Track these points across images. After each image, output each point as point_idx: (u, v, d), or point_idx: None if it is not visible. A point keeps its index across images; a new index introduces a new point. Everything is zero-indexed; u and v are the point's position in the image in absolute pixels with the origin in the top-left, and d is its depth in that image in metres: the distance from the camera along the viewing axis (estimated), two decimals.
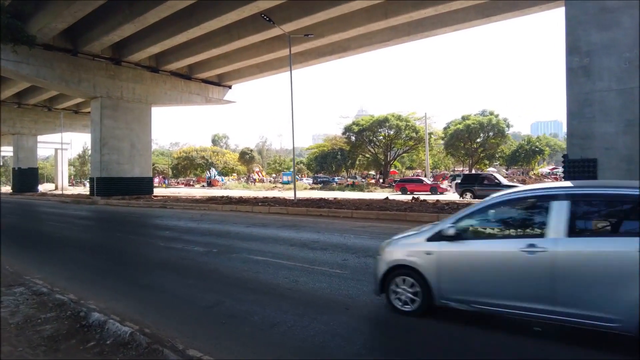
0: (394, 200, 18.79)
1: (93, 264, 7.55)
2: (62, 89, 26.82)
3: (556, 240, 3.61)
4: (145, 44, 25.81)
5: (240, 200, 20.07)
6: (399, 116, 46.59)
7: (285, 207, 16.05)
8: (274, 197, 22.40)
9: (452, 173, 51.54)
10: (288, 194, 29.66)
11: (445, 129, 49.15)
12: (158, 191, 35.36)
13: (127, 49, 27.27)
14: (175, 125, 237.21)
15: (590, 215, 3.89)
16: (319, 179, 63.77)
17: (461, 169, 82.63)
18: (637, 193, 3.49)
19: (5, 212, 20.50)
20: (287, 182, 61.01)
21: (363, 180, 54.15)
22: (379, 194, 30.45)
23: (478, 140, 45.83)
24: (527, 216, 4.21)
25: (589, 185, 4.65)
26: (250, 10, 21.27)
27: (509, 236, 4.14)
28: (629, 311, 3.26)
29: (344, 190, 39.79)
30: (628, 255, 3.31)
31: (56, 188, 57.95)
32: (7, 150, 71.50)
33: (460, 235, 4.16)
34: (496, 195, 4.35)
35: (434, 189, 30.62)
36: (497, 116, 44.12)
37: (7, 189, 68.66)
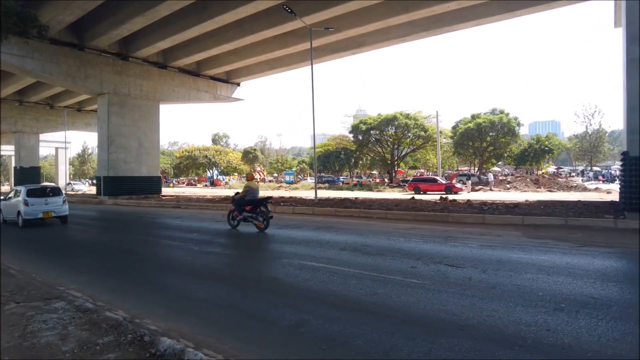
0: (421, 200, 18.02)
1: (129, 272, 6.76)
2: (68, 85, 25.94)
3: None
4: (154, 39, 24.97)
5: None
6: (407, 114, 45.85)
7: (311, 208, 15.25)
8: (290, 197, 21.59)
9: (456, 172, 50.76)
10: (300, 194, 28.91)
11: (454, 127, 48.41)
12: (164, 191, 34.47)
13: (135, 44, 26.44)
14: (173, 125, 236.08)
15: None
16: (323, 179, 63.00)
17: (466, 168, 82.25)
18: None
19: None
20: (291, 182, 60.23)
21: (369, 179, 53.33)
22: (393, 194, 29.72)
23: (488, 139, 45.07)
24: None
25: None
26: (267, 4, 20.52)
27: None
28: None
29: (352, 190, 39.01)
30: None
31: None
32: (7, 149, 70.45)
33: None
34: None
35: (449, 189, 29.88)
36: (507, 115, 43.41)
37: (7, 188, 67.65)
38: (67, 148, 68.15)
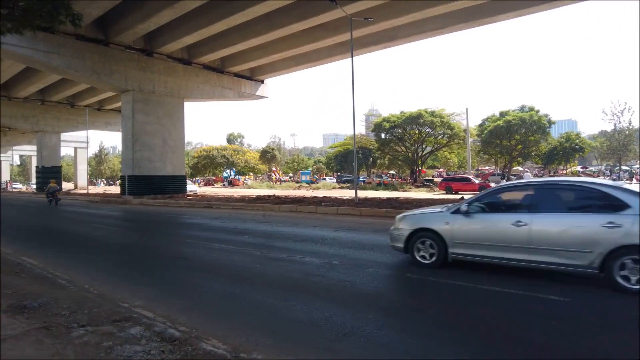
0: None
1: (196, 284, 5.81)
2: (93, 81, 25.33)
3: None
4: (180, 33, 24.21)
5: (296, 200, 18.30)
6: (432, 112, 44.56)
7: (356, 208, 14.22)
8: (325, 197, 20.59)
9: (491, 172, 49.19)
10: (324, 193, 27.90)
11: (480, 125, 46.95)
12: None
13: (160, 40, 25.72)
14: (186, 124, 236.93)
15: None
16: (342, 178, 61.96)
17: (486, 168, 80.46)
18: None
19: (38, 212, 19.02)
20: (308, 182, 59.27)
21: (392, 179, 52.13)
22: (424, 194, 28.56)
23: (516, 137, 43.53)
24: None
25: None
26: None
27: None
28: None
29: (377, 190, 37.91)
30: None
31: (75, 187, 57.03)
32: (26, 150, 70.89)
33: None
34: None
35: (484, 188, 28.52)
36: (537, 112, 41.83)
37: (21, 188, 67.99)
38: (86, 148, 68.31)
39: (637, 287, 4.63)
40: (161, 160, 26.99)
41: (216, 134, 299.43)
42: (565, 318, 4.11)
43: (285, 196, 21.68)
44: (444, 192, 30.96)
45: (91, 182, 77.56)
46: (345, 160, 76.23)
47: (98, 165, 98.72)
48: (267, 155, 69.62)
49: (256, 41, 25.30)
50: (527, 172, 39.11)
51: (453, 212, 6.08)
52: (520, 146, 44.22)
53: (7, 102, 39.47)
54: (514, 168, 52.88)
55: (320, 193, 29.93)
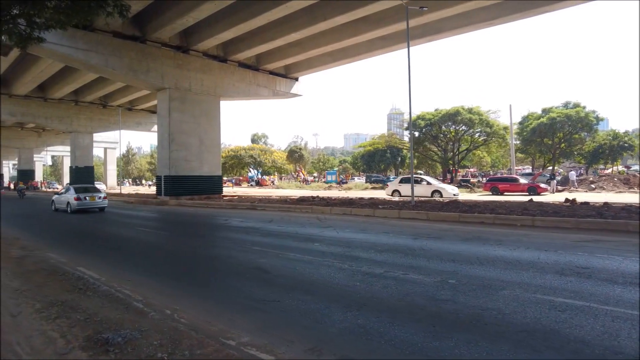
0: (539, 202, 15.45)
1: (303, 310, 4.75)
2: (129, 79, 24.83)
3: None
4: (218, 29, 23.46)
5: (345, 202, 17.18)
6: (470, 109, 42.75)
7: (423, 212, 12.99)
8: (372, 199, 19.39)
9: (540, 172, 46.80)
10: (358, 194, 26.67)
11: (521, 123, 44.81)
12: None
13: (197, 36, 25.05)
14: None
15: None
16: (372, 178, 60.59)
17: (519, 167, 77.64)
18: None
19: (80, 213, 18.49)
20: (334, 182, 58.13)
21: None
22: (471, 195, 27.01)
23: (559, 135, 41.27)
24: None
25: None
26: None
27: None
28: None
29: None
30: None
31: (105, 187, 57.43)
32: (57, 150, 72.14)
33: None
34: None
35: (533, 189, 26.83)
36: (584, 108, 39.53)
37: (58, 187, 69.08)
38: (115, 148, 69.02)
39: None
40: (198, 160, 26.33)
41: (237, 133, 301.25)
42: None
43: (330, 197, 20.62)
44: (490, 192, 29.29)
45: (118, 182, 78.39)
46: (373, 160, 74.72)
47: (126, 166, 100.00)
48: (295, 155, 68.74)
49: (295, 36, 24.34)
50: (571, 171, 36.94)
51: None
52: (564, 144, 41.91)
53: (43, 103, 39.84)
54: (548, 168, 50.45)
55: (355, 194, 28.77)
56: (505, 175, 33.00)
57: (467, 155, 49.14)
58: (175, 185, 25.11)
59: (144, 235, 11.49)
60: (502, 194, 28.18)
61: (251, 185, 60.80)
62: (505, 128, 42.97)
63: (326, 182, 58.40)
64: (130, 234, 11.76)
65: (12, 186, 60.74)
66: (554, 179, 29.51)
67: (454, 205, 14.51)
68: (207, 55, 26.97)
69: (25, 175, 56.85)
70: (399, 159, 74.46)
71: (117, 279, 6.30)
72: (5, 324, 4.46)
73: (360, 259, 7.22)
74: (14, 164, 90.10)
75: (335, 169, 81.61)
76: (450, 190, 23.96)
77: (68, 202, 18.92)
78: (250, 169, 69.46)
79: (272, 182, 61.73)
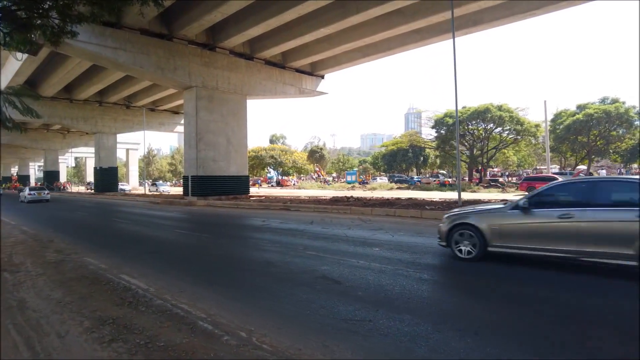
0: None
1: (424, 337, 3.90)
2: (157, 77, 24.38)
3: None
4: (246, 25, 22.80)
5: (384, 202, 16.23)
6: (500, 106, 41.29)
7: None
8: (410, 198, 18.41)
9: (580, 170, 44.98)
10: (383, 194, 25.65)
11: (553, 120, 43.04)
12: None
13: (224, 33, 24.47)
14: None
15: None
16: (395, 177, 59.42)
17: (544, 167, 75.25)
18: None
19: (110, 215, 18.04)
20: (352, 182, 57.08)
21: (453, 179, 48.98)
22: (503, 195, 25.75)
23: (594, 132, 39.41)
24: None
25: None
26: None
27: None
28: None
29: (443, 190, 35.33)
30: None
31: None
32: (79, 151, 73.05)
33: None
34: None
35: None
36: (623, 104, 37.62)
37: (80, 188, 69.95)
38: (137, 149, 69.49)
39: None
40: (225, 159, 25.76)
41: (253, 134, 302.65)
42: None
43: (365, 197, 19.72)
44: (526, 192, 27.99)
45: (140, 183, 78.94)
46: (394, 160, 73.40)
47: (146, 167, 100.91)
48: (316, 155, 67.99)
49: (325, 31, 23.52)
50: (601, 170, 35.18)
51: None
52: (600, 142, 40.01)
53: (69, 104, 40.04)
54: (578, 167, 48.42)
55: (381, 194, 27.78)
56: (542, 175, 31.52)
57: (497, 153, 47.49)
58: (203, 185, 24.58)
59: (184, 238, 10.80)
60: None
61: (272, 185, 60.23)
62: (537, 125, 41.37)
63: (348, 183, 57.42)
64: (168, 237, 11.10)
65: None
66: None
67: None
68: (234, 53, 26.40)
69: (50, 176, 57.53)
70: (422, 158, 73.00)
71: (168, 289, 5.56)
72: (53, 348, 3.74)
73: (438, 268, 6.34)
74: (39, 166, 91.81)
75: (355, 169, 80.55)
76: None
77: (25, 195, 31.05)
78: (270, 170, 68.98)
79: (293, 182, 61.04)
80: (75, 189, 68.60)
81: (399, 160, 72.85)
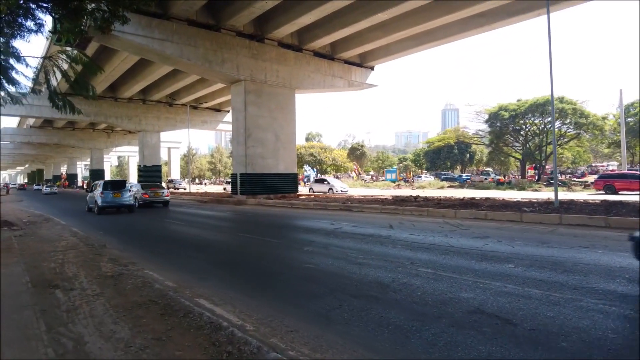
0: None
1: None
2: (204, 70, 23.34)
3: None
4: (297, 13, 21.35)
5: (466, 203, 14.27)
6: (562, 98, 38.04)
7: (601, 217, 9.91)
8: (488, 198, 16.33)
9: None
10: (434, 193, 23.47)
11: (627, 112, 39.20)
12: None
13: (272, 23, 23.12)
14: None
15: None
16: (441, 176, 56.71)
17: (603, 164, 70.07)
18: None
19: (162, 216, 17.04)
20: (392, 180, 54.75)
21: (514, 177, 46.03)
22: (582, 194, 23.07)
23: None
24: None
25: None
26: None
27: None
28: None
29: (502, 189, 32.71)
30: None
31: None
32: (122, 151, 74.47)
33: None
34: None
35: None
36: None
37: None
38: (179, 148, 69.96)
39: None
40: (274, 156, 24.47)
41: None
42: None
43: (435, 198, 17.79)
44: (602, 191, 25.14)
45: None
46: (438, 157, 70.34)
47: (187, 165, 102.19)
48: (356, 152, 66.09)
49: (382, 16, 21.72)
50: None
51: None
52: None
53: (114, 103, 40.14)
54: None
55: (434, 193, 25.69)
56: (623, 172, 28.35)
57: (557, 149, 43.98)
58: (252, 183, 23.39)
59: (253, 244, 9.36)
60: (617, 193, 24.04)
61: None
62: (604, 118, 37.83)
63: (392, 181, 55.18)
64: (232, 242, 9.73)
65: (84, 186, 63.05)
66: None
67: (620, 206, 11.22)
68: (282, 44, 25.04)
69: (96, 175, 58.53)
70: (467, 155, 69.61)
71: (270, 325, 4.03)
72: None
73: (632, 298, 4.50)
74: (85, 165, 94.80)
75: (395, 167, 78.02)
76: None
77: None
78: (307, 168, 67.61)
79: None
80: None
81: (443, 157, 69.78)
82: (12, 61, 9.81)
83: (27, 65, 8.88)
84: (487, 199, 16.20)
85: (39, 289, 5.64)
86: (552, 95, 13.43)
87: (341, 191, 30.05)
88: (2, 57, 8.29)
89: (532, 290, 4.91)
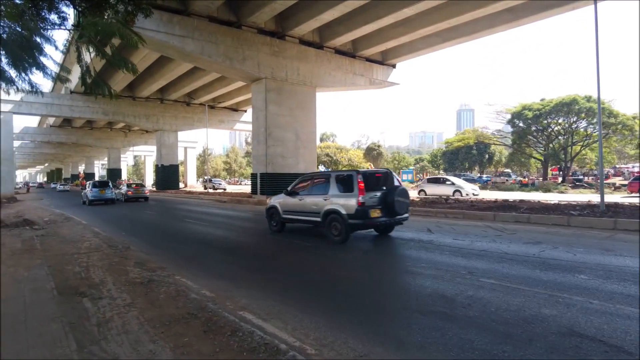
0: None
1: None
2: (225, 68, 22.91)
3: None
4: (320, 9, 20.76)
5: (505, 206, 13.51)
6: (589, 97, 36.75)
7: None
8: (522, 201, 15.53)
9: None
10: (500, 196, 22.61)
11: None
12: None
13: (293, 19, 22.59)
14: None
15: None
16: (461, 177, 55.52)
17: (628, 165, 67.96)
18: None
19: (183, 216, 16.65)
20: (410, 181, 53.73)
21: (537, 178, 44.75)
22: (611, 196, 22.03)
23: None
24: None
25: None
26: None
27: None
28: None
29: (527, 191, 31.63)
30: None
31: (185, 186, 58.02)
32: (138, 150, 74.89)
33: None
34: None
35: None
36: None
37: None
38: (195, 148, 70.00)
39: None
40: (294, 156, 23.95)
41: None
42: None
43: (467, 200, 17.03)
44: (637, 193, 24.00)
45: (198, 181, 79.77)
46: (456, 158, 69.05)
47: (202, 165, 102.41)
48: (373, 152, 65.27)
49: (407, 12, 20.95)
50: None
51: None
52: None
53: (132, 102, 40.14)
54: None
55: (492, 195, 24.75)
56: None
57: (582, 150, 42.58)
58: (272, 183, 22.89)
59: (285, 247, 8.81)
60: None
61: None
62: (634, 118, 36.40)
63: (409, 182, 54.23)
64: (264, 245, 9.20)
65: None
66: None
67: None
68: (303, 41, 24.49)
69: (113, 174, 58.85)
70: (487, 156, 68.21)
71: (333, 347, 3.46)
72: None
73: None
74: (102, 164, 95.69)
75: (411, 167, 76.90)
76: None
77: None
78: (322, 169, 67.02)
79: None
80: None
81: (461, 158, 68.48)
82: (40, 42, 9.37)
83: (56, 47, 8.47)
84: (521, 201, 15.37)
85: (65, 296, 5.17)
86: (598, 95, 12.59)
87: (473, 194, 22.68)
88: (33, 37, 7.82)
89: (627, 308, 4.24)
